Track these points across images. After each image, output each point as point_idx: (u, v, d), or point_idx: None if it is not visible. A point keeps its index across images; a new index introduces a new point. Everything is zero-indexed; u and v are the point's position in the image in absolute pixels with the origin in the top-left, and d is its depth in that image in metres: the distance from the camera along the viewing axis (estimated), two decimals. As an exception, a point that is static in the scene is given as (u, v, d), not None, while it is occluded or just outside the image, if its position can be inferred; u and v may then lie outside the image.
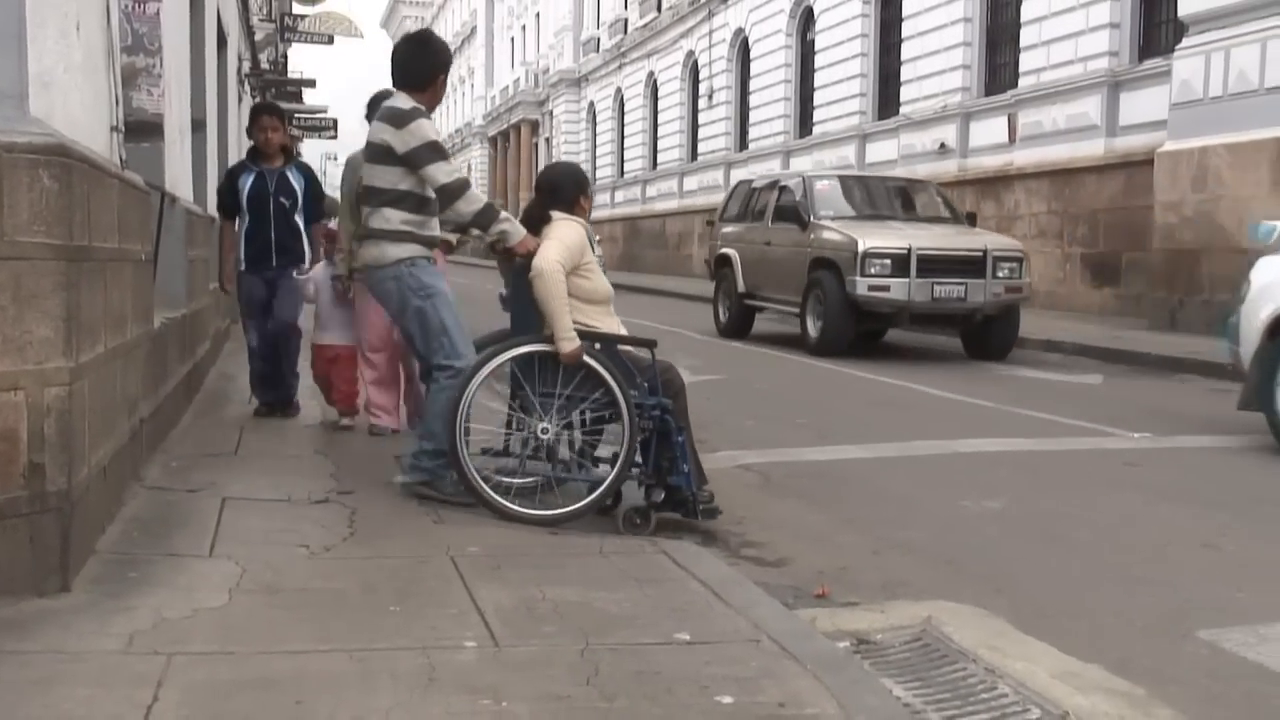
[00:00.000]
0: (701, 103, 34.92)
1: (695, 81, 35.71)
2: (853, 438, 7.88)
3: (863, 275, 12.49)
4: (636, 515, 5.19)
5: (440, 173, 5.18)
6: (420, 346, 5.33)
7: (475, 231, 5.57)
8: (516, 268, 5.38)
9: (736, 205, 16.38)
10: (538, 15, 55.10)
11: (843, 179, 15.46)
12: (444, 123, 79.70)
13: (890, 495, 6.28)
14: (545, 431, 5.22)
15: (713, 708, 3.12)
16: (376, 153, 5.25)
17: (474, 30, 68.35)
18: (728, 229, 16.28)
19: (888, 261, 12.55)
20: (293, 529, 4.83)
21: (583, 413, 5.28)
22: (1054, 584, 4.71)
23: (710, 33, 33.85)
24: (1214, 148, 14.33)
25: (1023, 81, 19.80)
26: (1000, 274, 12.82)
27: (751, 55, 31.42)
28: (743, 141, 32.32)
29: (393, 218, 5.23)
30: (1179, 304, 14.91)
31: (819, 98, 27.31)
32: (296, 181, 7.50)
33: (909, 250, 12.62)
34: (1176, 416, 9.05)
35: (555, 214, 5.41)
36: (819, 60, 27.27)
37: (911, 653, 3.85)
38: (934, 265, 12.62)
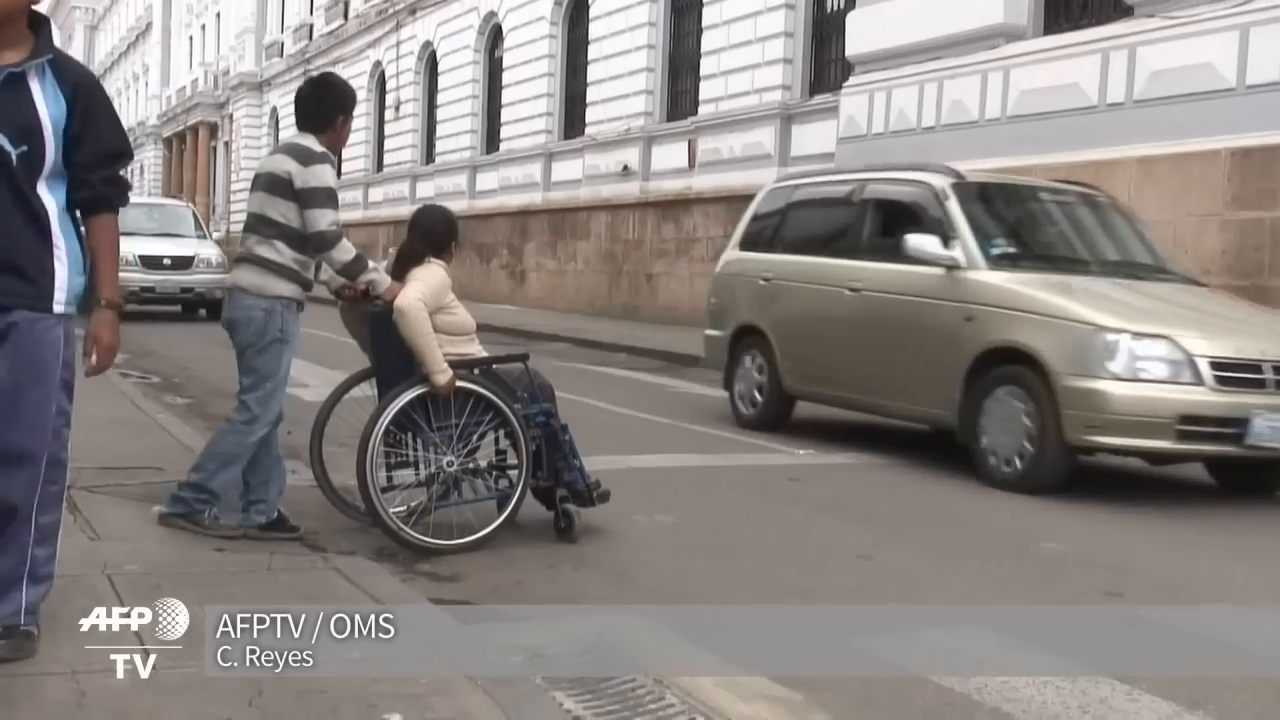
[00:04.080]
0: (388, 114, 34.45)
1: (382, 92, 35.20)
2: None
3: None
4: (563, 520, 5.57)
5: (324, 220, 5.10)
6: (243, 378, 5.18)
7: (324, 276, 5.49)
8: (378, 312, 5.45)
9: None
10: (218, 15, 53.00)
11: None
12: (113, 120, 75.50)
13: (567, 510, 6.32)
14: (451, 465, 5.41)
15: (380, 728, 3.04)
16: (277, 184, 5.13)
17: (149, 26, 65.10)
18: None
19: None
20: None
21: (480, 435, 5.51)
22: (721, 595, 4.86)
23: (398, 44, 33.46)
24: (876, 181, 15.20)
25: (702, 109, 20.50)
26: None
27: (440, 69, 31.24)
28: (429, 155, 32.08)
29: (285, 253, 5.12)
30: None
31: (506, 115, 27.42)
32: (48, 98, 3.37)
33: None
34: (839, 433, 9.51)
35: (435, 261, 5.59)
36: (507, 78, 27.39)
37: (583, 665, 3.86)
38: None
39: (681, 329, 19.12)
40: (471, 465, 5.52)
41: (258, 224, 5.19)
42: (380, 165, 35.36)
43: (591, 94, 23.88)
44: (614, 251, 22.62)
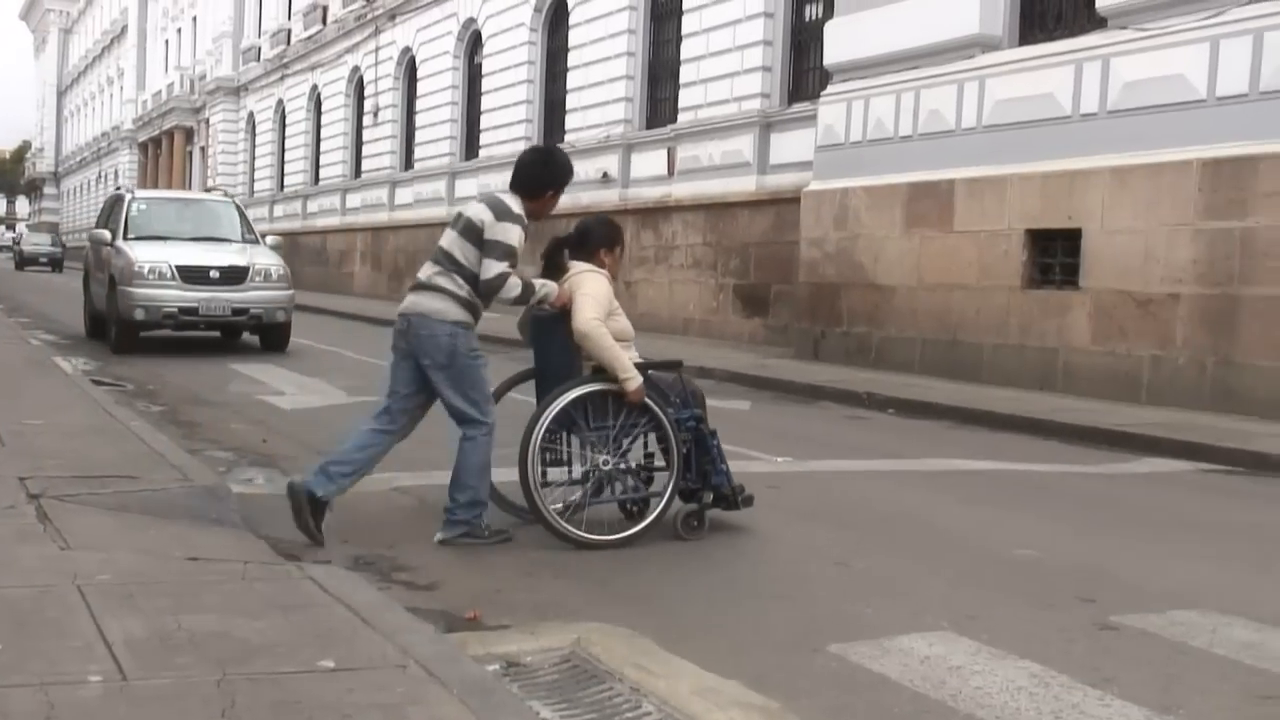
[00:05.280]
0: (366, 120, 34.38)
1: (361, 98, 35.13)
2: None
3: None
4: (694, 519, 5.85)
5: (493, 270, 5.54)
6: (454, 401, 5.64)
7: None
8: (541, 316, 5.90)
9: None
10: (195, 19, 52.84)
11: None
12: (91, 124, 75.27)
13: (545, 517, 6.32)
14: (606, 464, 5.72)
15: (355, 737, 3.04)
16: (470, 229, 5.65)
17: (124, 29, 64.84)
18: None
19: None
20: (-107, 558, 4.39)
21: (633, 437, 5.84)
22: (699, 603, 4.87)
23: (377, 50, 33.41)
24: (854, 189, 15.28)
25: (681, 117, 20.54)
26: None
27: (419, 75, 31.21)
28: (408, 161, 32.03)
29: (463, 286, 5.63)
30: (821, 335, 15.79)
31: (486, 121, 27.41)
32: None
33: None
34: (817, 441, 9.55)
35: (577, 264, 5.92)
36: (486, 84, 27.39)
37: (560, 674, 3.88)
38: None
39: (660, 336, 19.17)
40: (623, 465, 5.78)
41: (443, 257, 5.69)
42: (359, 171, 35.27)
43: (571, 101, 23.90)
44: (592, 258, 22.56)
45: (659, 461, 5.99)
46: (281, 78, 41.36)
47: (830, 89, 16.05)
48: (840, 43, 15.81)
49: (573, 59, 23.85)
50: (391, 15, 32.37)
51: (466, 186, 27.97)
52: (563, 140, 23.98)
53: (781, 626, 4.51)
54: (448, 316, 5.58)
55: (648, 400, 5.73)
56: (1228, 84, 11.10)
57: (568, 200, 22.63)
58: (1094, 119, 12.34)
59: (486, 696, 3.35)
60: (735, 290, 19.08)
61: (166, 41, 57.99)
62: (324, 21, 37.79)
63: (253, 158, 44.73)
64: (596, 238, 6.08)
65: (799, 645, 4.26)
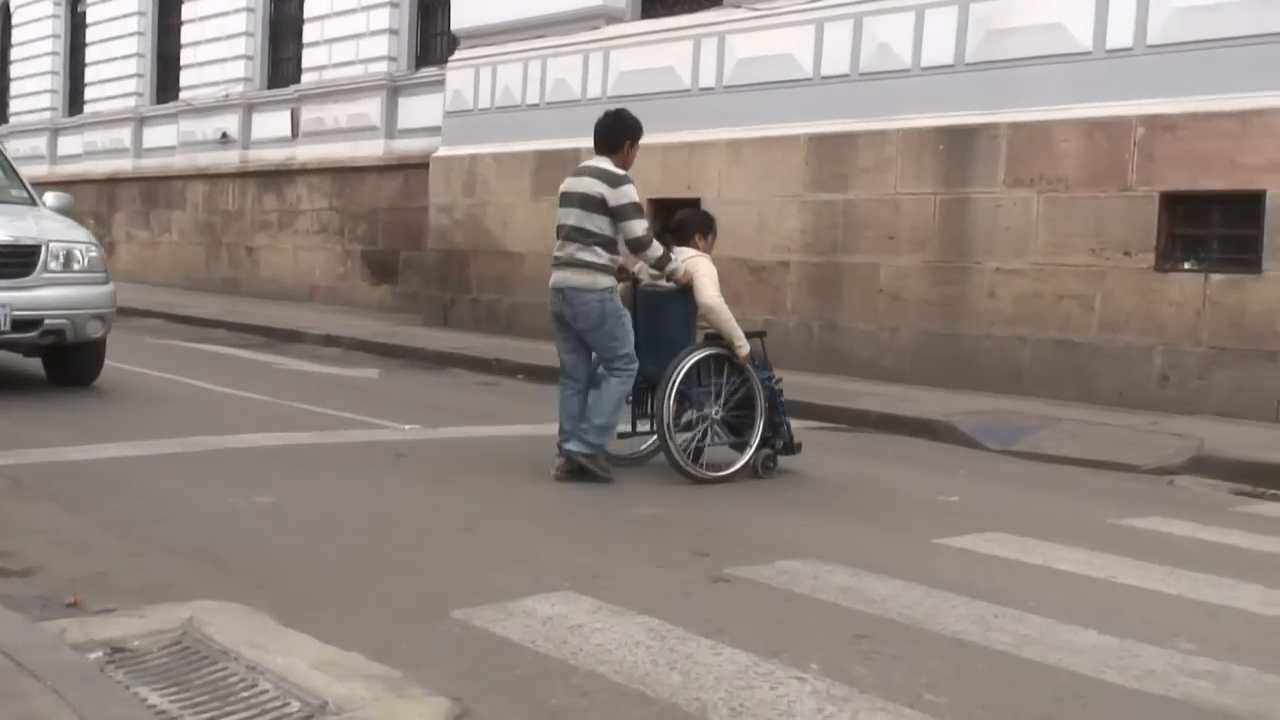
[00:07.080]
0: (-48, 69, 31.42)
1: (-54, 44, 32.07)
2: (119, 435, 7.45)
3: None
4: (770, 461, 7.12)
5: (639, 229, 6.66)
6: (604, 347, 6.75)
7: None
8: (660, 291, 6.97)
9: None
10: None
11: None
12: None
13: (157, 494, 6.01)
14: (717, 413, 6.93)
15: (-70, 740, 2.78)
16: (591, 202, 6.63)
17: None
18: None
19: None
20: None
21: (730, 392, 7.01)
22: (320, 575, 4.75)
23: (-37, -9, 30.57)
24: (482, 156, 15.30)
25: (306, 77, 19.92)
26: None
27: (14, 22, 28.79)
28: (2, 115, 29.53)
29: (603, 255, 6.65)
30: (451, 302, 15.75)
31: (91, 75, 25.64)
32: None
33: None
34: (446, 408, 9.53)
35: (682, 249, 7.00)
36: (91, 35, 25.61)
37: (170, 657, 3.68)
38: None
39: (284, 304, 18.62)
40: (721, 416, 6.93)
41: (578, 234, 6.67)
42: (-56, 125, 32.22)
43: (186, 56, 22.71)
44: (212, 223, 21.66)
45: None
46: None
47: (458, 55, 15.98)
48: (468, 8, 15.77)
49: (187, 12, 22.66)
50: (-21, -46, 29.69)
51: (71, 144, 26.15)
52: (178, 98, 22.81)
53: (405, 595, 4.47)
54: (597, 285, 6.63)
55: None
56: (831, 64, 11.82)
57: (184, 160, 21.56)
58: (711, 93, 12.86)
59: (85, 685, 3.14)
60: (363, 256, 18.73)
61: None
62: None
63: None
64: (694, 225, 7.25)
65: (423, 613, 4.22)
